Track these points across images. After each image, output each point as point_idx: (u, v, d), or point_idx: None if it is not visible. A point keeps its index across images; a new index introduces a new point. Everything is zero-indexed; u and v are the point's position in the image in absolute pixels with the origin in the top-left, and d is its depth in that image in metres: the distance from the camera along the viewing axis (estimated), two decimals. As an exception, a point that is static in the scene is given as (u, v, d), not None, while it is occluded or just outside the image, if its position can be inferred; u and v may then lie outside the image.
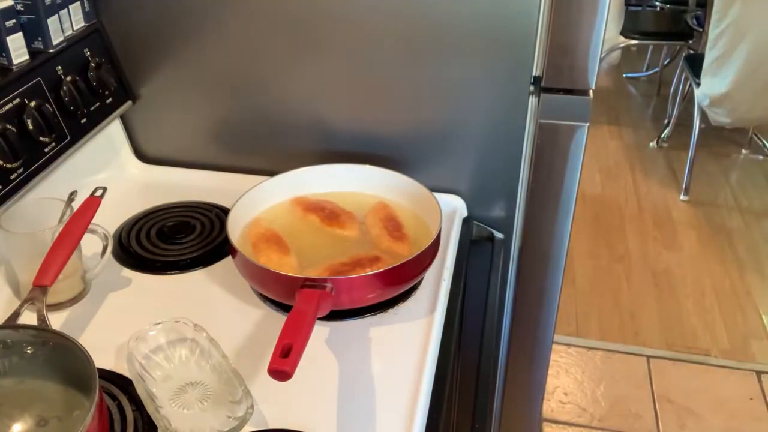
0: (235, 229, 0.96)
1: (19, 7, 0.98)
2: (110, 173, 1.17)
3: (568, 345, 2.24)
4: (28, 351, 0.72)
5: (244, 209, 1.00)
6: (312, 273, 0.90)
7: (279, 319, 0.87)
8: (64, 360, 0.70)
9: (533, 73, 1.03)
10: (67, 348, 0.69)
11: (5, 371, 0.72)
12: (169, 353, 0.82)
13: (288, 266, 0.92)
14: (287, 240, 0.96)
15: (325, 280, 0.83)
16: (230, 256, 0.93)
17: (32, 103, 0.96)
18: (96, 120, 1.09)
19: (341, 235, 0.99)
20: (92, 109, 1.08)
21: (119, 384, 0.78)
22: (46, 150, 0.98)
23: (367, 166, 1.07)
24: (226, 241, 0.92)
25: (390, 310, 0.91)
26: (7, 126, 0.91)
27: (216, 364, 0.80)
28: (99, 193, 0.93)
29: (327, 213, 1.01)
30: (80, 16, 1.07)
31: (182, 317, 0.83)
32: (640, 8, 4.28)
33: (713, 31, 2.65)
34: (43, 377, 0.72)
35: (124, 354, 0.80)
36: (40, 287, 0.81)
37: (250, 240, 0.96)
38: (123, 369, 0.79)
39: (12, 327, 0.75)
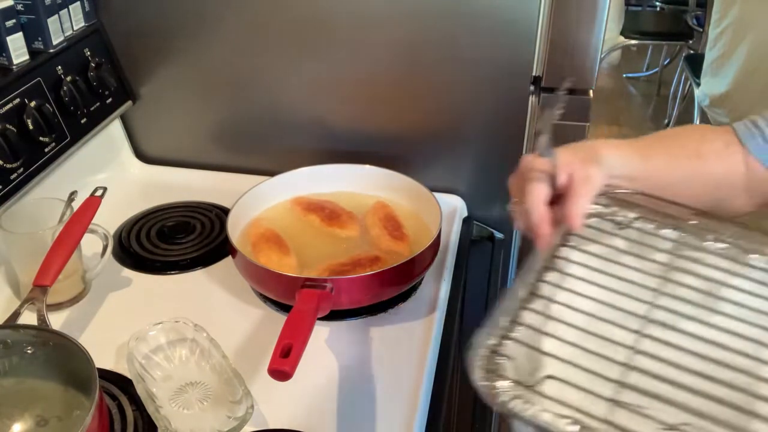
0: (236, 229, 0.96)
1: (19, 7, 0.98)
2: (110, 173, 1.17)
3: (568, 345, 2.24)
4: (29, 351, 0.72)
5: (244, 209, 1.00)
6: (312, 273, 0.90)
7: (279, 319, 0.87)
8: (65, 360, 0.70)
9: (533, 73, 1.03)
10: (68, 348, 0.69)
11: (5, 371, 0.72)
12: (169, 353, 0.82)
13: (288, 266, 0.92)
14: (287, 240, 0.96)
15: (325, 280, 0.83)
16: (230, 256, 0.93)
17: (32, 103, 0.96)
18: (96, 120, 1.09)
19: (341, 235, 0.99)
20: (92, 109, 1.08)
21: (119, 384, 0.78)
22: (46, 150, 0.98)
23: (367, 166, 1.07)
24: (226, 241, 0.92)
25: (390, 310, 0.91)
26: (7, 126, 0.91)
27: (216, 364, 0.80)
28: (99, 193, 0.93)
29: (327, 213, 1.01)
30: (80, 16, 1.08)
31: (182, 317, 0.83)
32: (640, 8, 4.28)
33: (713, 31, 2.64)
34: (44, 377, 0.72)
35: (124, 354, 0.80)
36: (40, 287, 0.81)
37: (250, 240, 0.96)
38: (123, 369, 0.79)
39: (12, 327, 0.75)
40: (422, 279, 0.95)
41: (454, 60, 1.03)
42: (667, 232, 0.61)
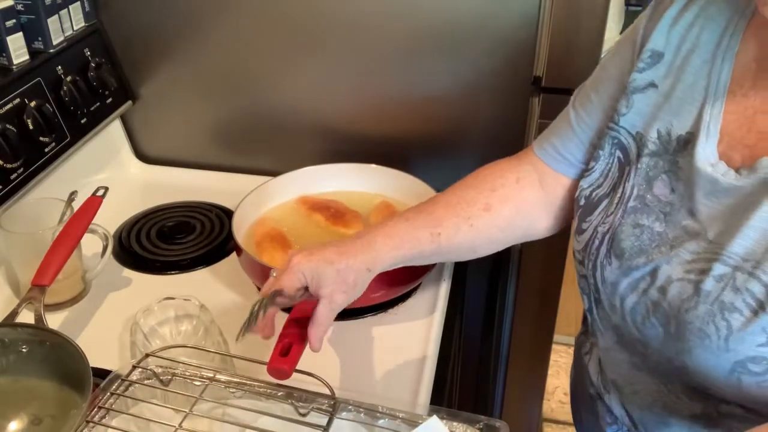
0: (241, 228, 0.96)
1: (19, 7, 0.98)
2: (110, 173, 1.17)
3: (568, 345, 2.23)
4: (24, 349, 0.72)
5: (251, 207, 1.00)
6: (313, 273, 0.89)
7: (280, 318, 0.87)
8: (60, 359, 0.70)
9: (533, 73, 1.03)
10: (63, 347, 0.69)
11: (1, 369, 0.72)
12: (173, 327, 0.82)
13: (289, 266, 0.91)
14: (292, 239, 0.96)
15: (325, 280, 0.83)
16: (230, 255, 0.94)
17: (32, 103, 0.96)
18: (96, 120, 1.09)
19: (345, 235, 0.98)
20: (92, 109, 1.08)
21: (117, 384, 0.78)
22: (46, 150, 0.98)
23: (372, 165, 1.07)
24: (227, 241, 0.92)
25: (390, 310, 0.91)
26: (7, 126, 0.91)
27: (215, 342, 0.79)
28: (100, 193, 0.93)
29: (332, 212, 1.01)
30: (80, 16, 1.08)
31: (191, 295, 0.83)
32: (640, 8, 4.27)
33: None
34: (39, 376, 0.72)
35: (123, 354, 0.80)
36: (39, 287, 0.81)
37: (255, 239, 0.96)
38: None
39: (9, 325, 0.75)
40: (423, 279, 0.95)
41: (455, 60, 1.03)
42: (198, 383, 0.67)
